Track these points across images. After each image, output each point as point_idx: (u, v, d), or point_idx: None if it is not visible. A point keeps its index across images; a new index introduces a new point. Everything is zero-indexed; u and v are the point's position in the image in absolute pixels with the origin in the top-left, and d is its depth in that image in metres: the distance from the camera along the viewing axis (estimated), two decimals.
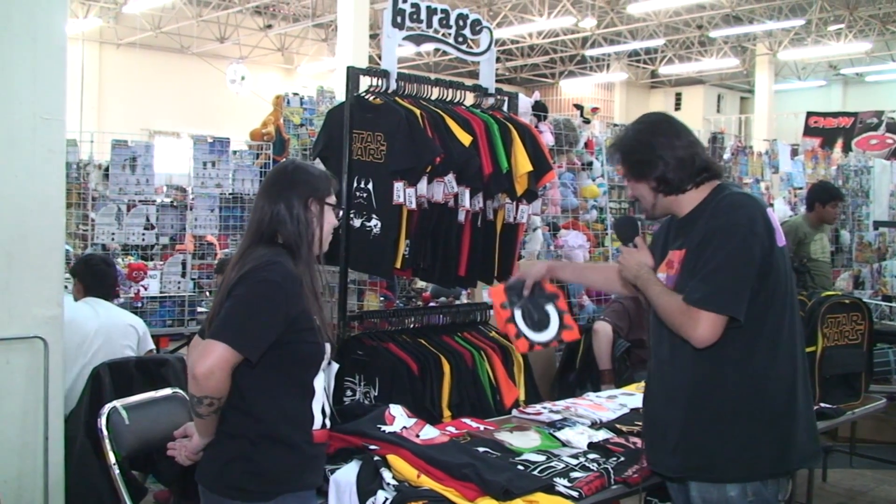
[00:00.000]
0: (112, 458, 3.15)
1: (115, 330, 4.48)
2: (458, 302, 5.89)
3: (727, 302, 2.50)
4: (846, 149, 15.45)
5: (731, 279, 2.51)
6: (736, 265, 2.52)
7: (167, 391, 3.62)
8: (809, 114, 19.10)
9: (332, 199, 2.63)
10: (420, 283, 7.09)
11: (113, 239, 6.81)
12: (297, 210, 2.51)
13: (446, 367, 3.80)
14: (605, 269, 3.23)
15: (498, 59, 4.73)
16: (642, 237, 2.86)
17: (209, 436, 2.46)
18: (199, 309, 6.72)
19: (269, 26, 23.69)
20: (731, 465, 2.59)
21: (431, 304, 6.25)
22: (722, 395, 2.59)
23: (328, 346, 2.55)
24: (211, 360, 2.28)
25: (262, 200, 2.55)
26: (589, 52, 26.33)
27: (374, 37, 16.57)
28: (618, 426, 3.33)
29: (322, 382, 2.54)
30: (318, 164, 3.79)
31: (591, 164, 6.95)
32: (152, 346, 4.78)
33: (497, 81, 4.43)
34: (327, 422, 2.56)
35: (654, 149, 2.70)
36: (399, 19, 3.96)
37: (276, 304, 2.38)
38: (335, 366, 2.69)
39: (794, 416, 2.62)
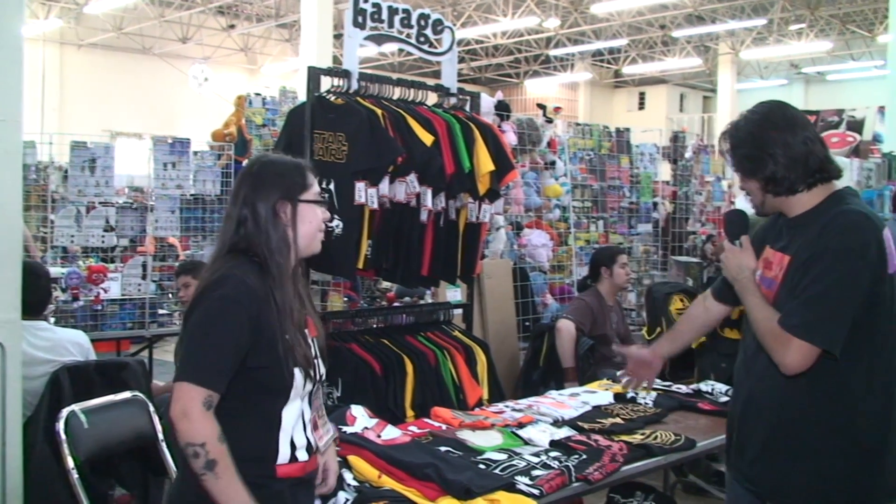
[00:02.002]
0: (70, 462, 3.12)
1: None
2: (422, 302, 5.88)
3: (824, 334, 2.34)
4: None
5: (831, 310, 2.35)
6: (840, 295, 2.35)
7: (127, 394, 3.60)
8: None
9: (311, 195, 2.28)
10: (385, 284, 7.07)
11: (73, 241, 6.72)
12: (262, 217, 2.19)
13: (409, 367, 3.80)
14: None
15: (462, 59, 4.73)
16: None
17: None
18: (161, 311, 6.66)
19: (232, 26, 23.55)
20: (810, 498, 2.47)
21: (396, 304, 6.24)
22: (810, 424, 2.46)
23: (298, 372, 2.19)
24: (180, 404, 2.03)
25: (229, 205, 2.25)
26: (553, 52, 26.47)
27: (338, 37, 16.49)
28: (580, 424, 3.34)
29: (296, 412, 2.23)
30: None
31: (554, 163, 6.99)
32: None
33: (462, 81, 4.44)
34: (300, 454, 2.23)
35: (764, 145, 2.49)
36: (360, 19, 3.95)
37: (232, 325, 2.09)
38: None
39: (885, 453, 2.45)
